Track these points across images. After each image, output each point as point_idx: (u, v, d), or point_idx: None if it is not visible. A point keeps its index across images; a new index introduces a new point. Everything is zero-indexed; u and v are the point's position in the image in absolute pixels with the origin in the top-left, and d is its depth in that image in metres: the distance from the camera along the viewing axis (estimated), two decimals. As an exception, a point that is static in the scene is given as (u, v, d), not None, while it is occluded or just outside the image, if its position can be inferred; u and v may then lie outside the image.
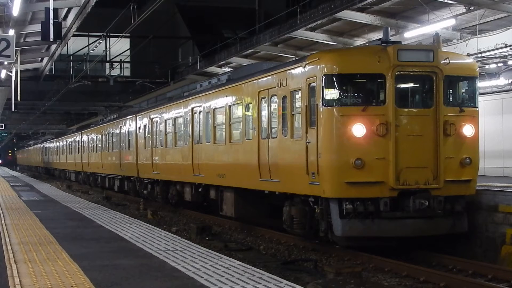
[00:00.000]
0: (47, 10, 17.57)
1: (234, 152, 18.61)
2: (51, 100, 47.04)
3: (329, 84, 13.78)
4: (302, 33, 24.80)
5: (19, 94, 31.06)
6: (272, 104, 16.22)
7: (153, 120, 26.90)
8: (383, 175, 13.51)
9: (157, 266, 10.18)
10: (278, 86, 15.75)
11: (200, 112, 21.30)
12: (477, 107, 14.67)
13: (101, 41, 35.68)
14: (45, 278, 9.12)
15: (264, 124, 16.59)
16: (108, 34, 33.83)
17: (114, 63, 42.93)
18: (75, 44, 42.36)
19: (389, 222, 13.62)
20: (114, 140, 34.54)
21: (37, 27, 23.22)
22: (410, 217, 13.64)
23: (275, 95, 15.93)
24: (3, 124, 60.05)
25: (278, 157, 15.74)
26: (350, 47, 22.40)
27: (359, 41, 24.72)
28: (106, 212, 20.33)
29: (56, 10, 17.89)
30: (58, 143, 59.62)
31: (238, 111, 18.45)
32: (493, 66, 23.80)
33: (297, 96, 14.91)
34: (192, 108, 22.03)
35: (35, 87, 45.11)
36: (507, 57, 22.37)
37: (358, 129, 13.54)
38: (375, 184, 13.52)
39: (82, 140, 44.94)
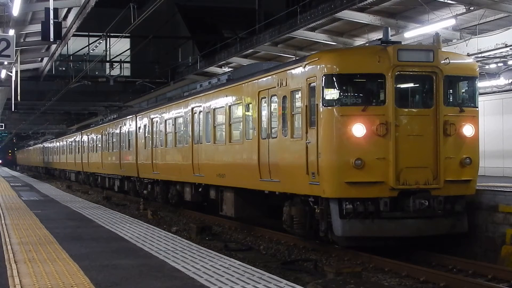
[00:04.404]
0: (47, 10, 17.55)
1: (234, 152, 18.60)
2: (51, 100, 47.02)
3: (329, 84, 13.78)
4: (302, 33, 24.81)
5: (19, 94, 31.04)
6: (272, 104, 16.22)
7: (153, 120, 26.90)
8: (383, 175, 13.51)
9: (157, 266, 10.17)
10: (278, 86, 15.75)
11: (200, 112, 21.30)
12: (477, 107, 14.67)
13: (101, 41, 35.67)
14: (45, 278, 9.11)
15: (264, 124, 16.58)
16: (108, 34, 33.81)
17: (114, 63, 42.91)
18: (75, 44, 42.37)
19: (389, 222, 13.62)
20: (114, 140, 34.53)
21: (37, 27, 23.21)
22: (410, 217, 13.64)
23: (275, 95, 15.93)
24: (3, 124, 60.03)
25: (278, 157, 15.73)
26: (350, 47, 22.40)
27: (359, 41, 24.71)
28: (106, 212, 20.32)
29: (56, 10, 17.87)
30: (58, 143, 59.62)
31: (238, 111, 18.44)
32: (493, 66, 23.80)
33: (297, 96, 14.91)
34: (192, 108, 22.03)
35: (35, 87, 45.08)
36: (507, 57, 22.37)
37: (358, 129, 13.54)
38: (375, 184, 13.51)
39: (82, 140, 44.93)
